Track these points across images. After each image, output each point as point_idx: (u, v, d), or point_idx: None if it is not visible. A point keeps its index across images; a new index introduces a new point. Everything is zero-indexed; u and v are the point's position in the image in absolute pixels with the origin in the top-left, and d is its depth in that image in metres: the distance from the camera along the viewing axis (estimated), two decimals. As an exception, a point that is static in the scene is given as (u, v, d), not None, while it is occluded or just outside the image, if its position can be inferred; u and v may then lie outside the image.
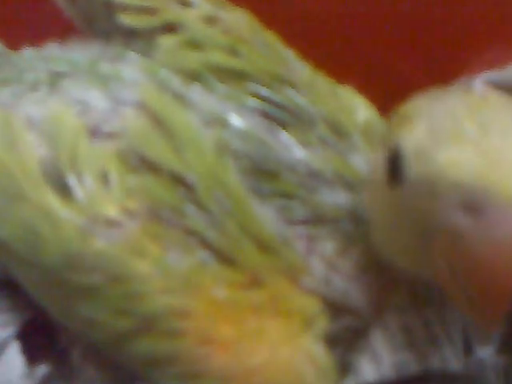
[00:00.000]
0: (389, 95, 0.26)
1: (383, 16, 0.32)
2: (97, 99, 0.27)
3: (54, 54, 0.29)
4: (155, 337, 0.25)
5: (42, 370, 0.29)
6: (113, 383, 0.28)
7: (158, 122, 0.26)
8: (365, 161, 0.27)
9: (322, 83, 0.30)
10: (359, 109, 0.30)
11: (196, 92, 0.27)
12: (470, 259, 0.21)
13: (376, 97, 0.30)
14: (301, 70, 0.29)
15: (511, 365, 0.27)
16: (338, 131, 0.28)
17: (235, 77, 0.28)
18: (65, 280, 0.26)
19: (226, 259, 0.25)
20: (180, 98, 0.27)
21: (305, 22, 0.33)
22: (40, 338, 0.30)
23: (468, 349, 0.27)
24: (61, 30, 0.30)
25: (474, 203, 0.21)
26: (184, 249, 0.25)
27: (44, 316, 0.28)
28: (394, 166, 0.23)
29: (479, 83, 0.30)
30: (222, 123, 0.27)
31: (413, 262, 0.24)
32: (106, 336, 0.26)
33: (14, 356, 0.29)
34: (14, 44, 0.30)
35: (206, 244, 0.25)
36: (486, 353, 0.28)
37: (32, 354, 0.30)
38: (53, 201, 0.25)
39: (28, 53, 0.30)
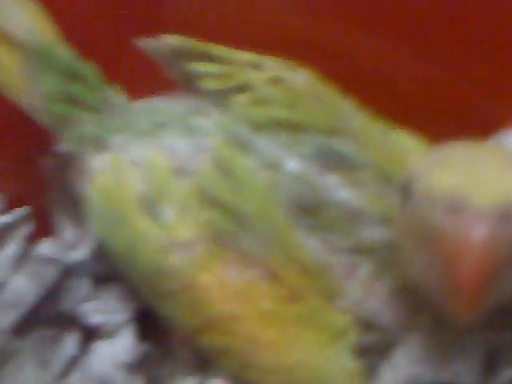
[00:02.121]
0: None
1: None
2: (183, 146, 0.34)
3: (159, 106, 0.36)
4: (215, 334, 0.32)
5: (146, 347, 0.36)
6: (199, 363, 0.34)
7: (223, 165, 0.32)
8: None
9: (375, 131, 0.34)
10: (410, 153, 0.34)
11: (260, 141, 0.33)
12: (449, 252, 0.26)
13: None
14: (354, 119, 0.34)
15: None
16: (382, 175, 0.32)
17: (293, 128, 0.33)
18: (153, 285, 0.33)
19: (273, 277, 0.31)
20: (245, 146, 0.33)
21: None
22: (154, 324, 0.37)
23: (493, 369, 0.31)
24: (169, 85, 0.37)
25: (456, 207, 0.26)
26: (239, 267, 0.31)
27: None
28: (407, 188, 0.28)
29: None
30: (278, 167, 0.32)
31: (422, 272, 0.28)
32: (184, 330, 0.33)
33: (127, 336, 0.37)
34: (134, 96, 0.38)
35: (256, 264, 0.31)
36: (509, 373, 0.31)
37: (144, 336, 0.37)
38: (146, 225, 0.32)
39: (141, 105, 0.37)
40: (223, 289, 0.31)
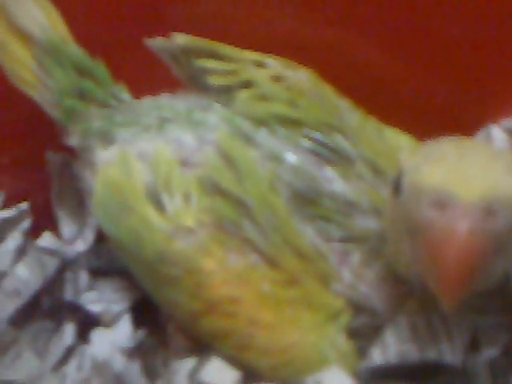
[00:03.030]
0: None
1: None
2: (188, 139, 0.35)
3: (164, 103, 0.38)
4: (216, 317, 0.33)
5: (142, 335, 0.38)
6: (193, 350, 0.36)
7: (227, 157, 0.34)
8: None
9: (369, 128, 0.36)
10: (403, 149, 0.36)
11: (262, 135, 0.35)
12: (434, 242, 0.28)
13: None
14: (350, 117, 0.36)
15: (504, 365, 0.32)
16: (375, 169, 0.35)
17: (293, 123, 0.35)
18: (157, 271, 0.34)
19: (271, 262, 0.33)
20: (248, 139, 0.35)
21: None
22: (149, 314, 0.39)
23: (476, 348, 0.33)
24: (173, 84, 0.39)
25: (442, 201, 0.27)
26: (240, 252, 0.33)
27: (150, 298, 0.37)
28: (397, 182, 0.30)
29: (498, 131, 0.35)
30: (279, 159, 0.34)
31: (408, 262, 0.30)
32: (184, 314, 0.35)
33: (126, 324, 0.38)
34: (138, 94, 0.40)
35: (256, 250, 0.33)
36: (491, 352, 0.32)
37: (140, 325, 0.39)
38: (151, 213, 0.34)
39: (147, 102, 0.39)
40: (224, 273, 0.33)
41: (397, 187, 0.30)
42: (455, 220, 0.27)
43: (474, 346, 0.33)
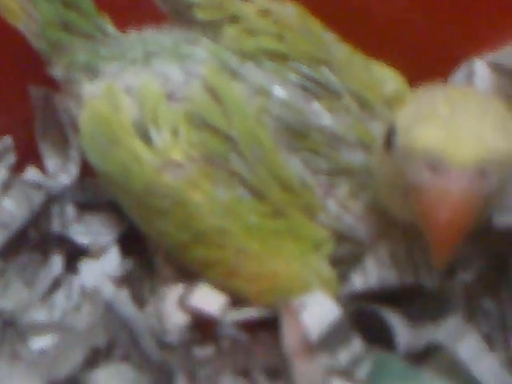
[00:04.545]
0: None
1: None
2: (175, 73, 0.36)
3: (150, 37, 0.38)
4: (205, 247, 0.34)
5: (130, 264, 0.39)
6: (180, 279, 0.37)
7: (214, 92, 0.34)
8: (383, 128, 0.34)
9: (357, 62, 0.37)
10: (388, 82, 0.36)
11: (249, 69, 0.35)
12: (428, 205, 0.29)
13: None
14: (338, 51, 0.36)
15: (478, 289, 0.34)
16: (362, 103, 0.35)
17: (281, 57, 0.35)
18: (146, 203, 0.35)
19: (257, 195, 0.33)
20: (235, 74, 0.35)
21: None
22: (136, 245, 0.40)
23: (452, 273, 0.34)
24: (158, 18, 0.39)
25: (434, 165, 0.28)
26: (228, 185, 0.33)
27: (137, 230, 0.38)
28: (389, 138, 0.31)
29: (481, 66, 0.36)
30: (266, 93, 0.35)
31: (399, 209, 0.32)
32: (173, 244, 0.36)
33: (114, 254, 0.40)
34: (123, 28, 0.40)
35: (243, 183, 0.33)
36: (466, 277, 0.34)
37: (127, 257, 0.40)
38: (139, 146, 0.34)
39: (132, 35, 0.39)
40: (212, 205, 0.34)
41: (388, 142, 0.30)
42: (448, 183, 0.28)
43: (450, 271, 0.34)
